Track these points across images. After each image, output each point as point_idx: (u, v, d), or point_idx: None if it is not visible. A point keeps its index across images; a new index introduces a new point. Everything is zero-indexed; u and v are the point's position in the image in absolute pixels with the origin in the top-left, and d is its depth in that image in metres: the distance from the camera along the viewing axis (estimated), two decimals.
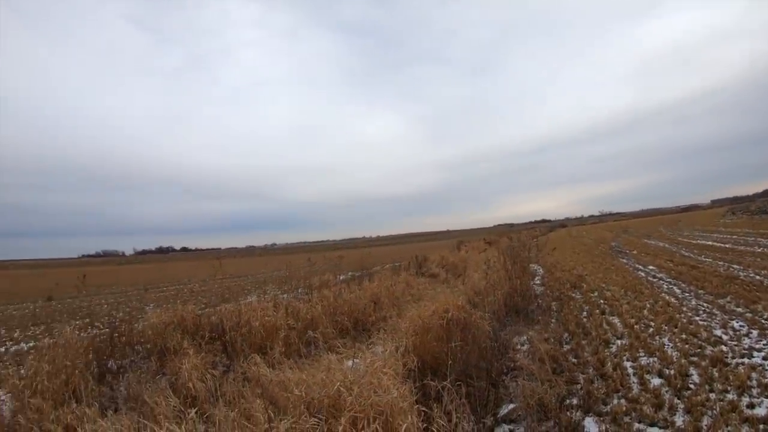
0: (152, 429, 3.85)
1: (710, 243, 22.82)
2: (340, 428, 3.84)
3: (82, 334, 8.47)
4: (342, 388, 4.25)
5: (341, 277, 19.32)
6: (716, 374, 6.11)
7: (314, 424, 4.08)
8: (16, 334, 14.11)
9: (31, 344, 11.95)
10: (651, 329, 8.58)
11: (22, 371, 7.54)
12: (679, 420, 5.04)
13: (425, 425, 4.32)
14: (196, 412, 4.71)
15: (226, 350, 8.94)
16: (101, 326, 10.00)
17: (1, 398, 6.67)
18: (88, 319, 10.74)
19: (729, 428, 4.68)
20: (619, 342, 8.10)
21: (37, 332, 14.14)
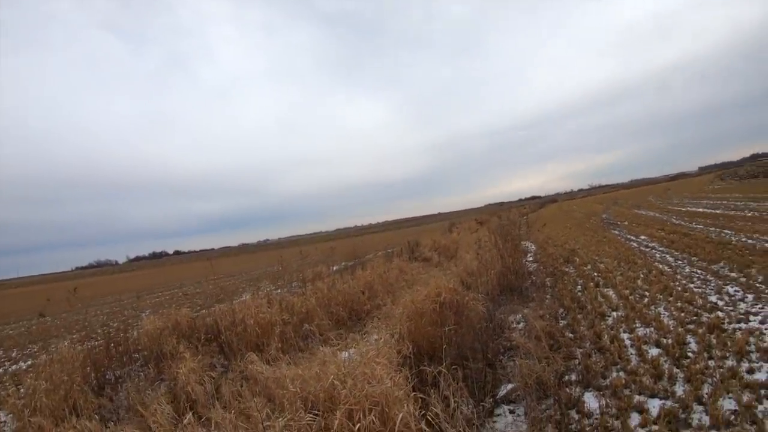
0: None
1: (701, 210, 22.89)
2: (336, 422, 3.78)
3: (78, 348, 8.37)
4: (336, 381, 4.19)
5: (335, 268, 19.27)
6: (714, 341, 6.08)
7: (310, 420, 4.03)
8: (14, 354, 13.99)
9: (29, 362, 11.85)
10: (646, 299, 8.56)
11: (21, 390, 7.51)
12: (680, 389, 5.00)
13: (423, 412, 4.27)
14: (193, 415, 4.68)
15: (223, 350, 8.92)
16: (98, 337, 9.91)
17: (2, 420, 6.67)
18: (84, 332, 10.62)
19: (730, 395, 4.64)
20: (614, 314, 8.07)
21: (35, 350, 14.03)
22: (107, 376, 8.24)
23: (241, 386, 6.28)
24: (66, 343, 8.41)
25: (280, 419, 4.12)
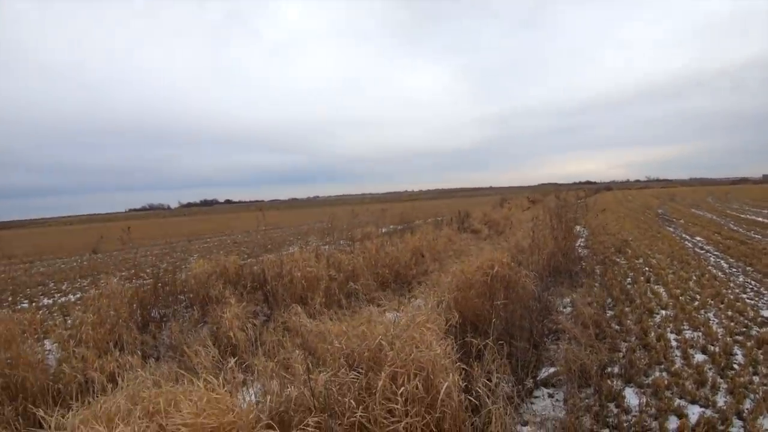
0: (189, 378, 3.87)
1: (761, 219, 21.96)
2: (380, 383, 3.85)
3: (127, 285, 8.69)
4: (383, 342, 4.23)
5: (383, 230, 19.34)
6: (761, 357, 5.89)
7: (353, 378, 4.10)
8: (64, 287, 14.67)
9: (78, 296, 12.41)
10: (696, 302, 8.34)
11: (69, 322, 7.83)
12: (721, 400, 4.90)
13: (465, 383, 4.30)
14: (235, 362, 4.80)
15: (267, 300, 9.15)
16: (146, 277, 10.27)
17: (48, 348, 6.85)
18: (133, 270, 11.01)
19: None
20: (663, 312, 7.92)
21: (84, 284, 14.69)
22: (152, 315, 8.55)
23: (283, 336, 6.41)
24: (115, 280, 8.66)
25: (323, 373, 4.21)
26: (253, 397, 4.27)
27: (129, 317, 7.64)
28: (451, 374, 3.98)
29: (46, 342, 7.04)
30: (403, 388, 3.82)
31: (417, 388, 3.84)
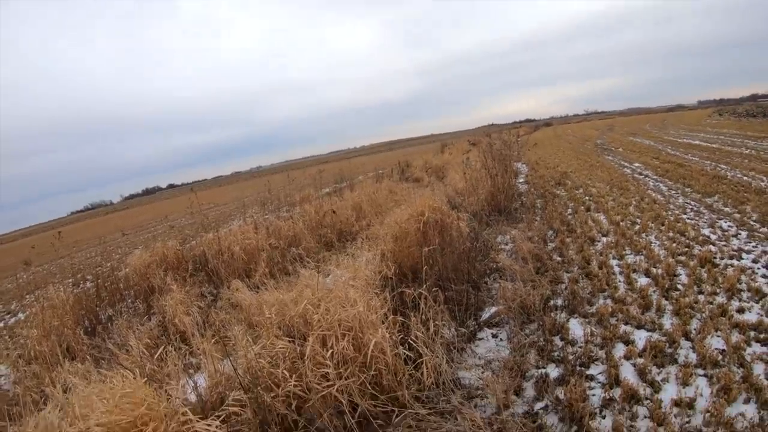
0: (122, 375, 3.62)
1: (697, 142, 22.48)
2: (308, 348, 3.64)
3: (69, 292, 8.33)
4: (309, 306, 4.02)
5: (325, 191, 19.09)
6: (705, 275, 5.90)
7: (284, 347, 3.90)
8: (13, 306, 13.96)
9: (27, 313, 11.83)
10: (637, 227, 8.39)
11: (16, 341, 7.54)
12: (667, 322, 4.85)
13: (402, 336, 4.14)
14: (175, 349, 4.63)
15: (211, 279, 8.89)
16: (92, 279, 9.87)
17: (3, 373, 6.68)
18: (80, 275, 10.54)
19: (718, 333, 4.49)
20: (604, 239, 7.94)
21: (32, 299, 13.97)
22: (99, 317, 8.22)
23: (228, 314, 6.24)
24: (53, 289, 8.32)
25: (253, 346, 4.00)
26: (200, 381, 4.10)
27: (75, 324, 7.39)
28: (379, 330, 3.79)
29: (2, 367, 6.85)
30: (331, 351, 3.64)
31: (346, 349, 3.65)
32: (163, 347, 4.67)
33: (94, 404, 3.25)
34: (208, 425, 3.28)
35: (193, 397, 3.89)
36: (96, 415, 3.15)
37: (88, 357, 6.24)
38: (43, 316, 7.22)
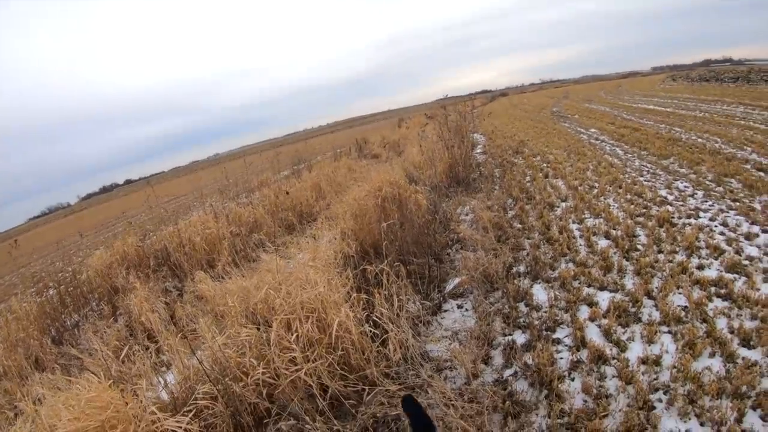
0: (87, 379, 3.53)
1: (651, 107, 22.79)
2: (272, 334, 3.61)
3: (39, 300, 8.26)
4: (270, 291, 3.98)
5: (284, 173, 18.93)
6: (664, 235, 6.04)
7: (248, 334, 3.86)
8: None
9: None
10: (595, 190, 8.55)
11: None
12: (629, 283, 4.97)
13: (366, 313, 4.14)
14: (148, 345, 4.58)
15: (175, 273, 8.74)
16: (56, 286, 9.61)
17: None
18: (42, 283, 10.23)
19: (680, 291, 4.61)
20: (563, 204, 8.07)
21: None
22: (66, 324, 8.01)
23: (194, 307, 6.16)
24: (15, 300, 8.20)
25: (217, 338, 3.95)
26: (170, 379, 4.06)
27: (42, 334, 7.25)
28: (342, 309, 3.78)
29: None
30: (296, 334, 3.61)
31: (311, 331, 3.63)
32: (127, 347, 4.56)
33: (60, 413, 3.18)
34: (178, 422, 3.24)
35: (164, 395, 3.84)
36: (63, 423, 3.09)
37: (56, 366, 6.12)
38: (8, 329, 7.13)
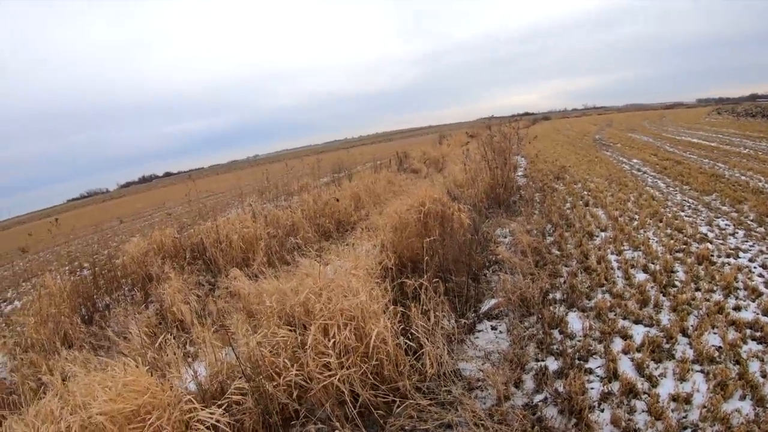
0: (123, 363, 3.61)
1: (695, 140, 22.44)
2: (310, 337, 3.65)
3: (72, 278, 8.37)
4: (311, 295, 4.03)
5: (323, 180, 19.06)
6: (702, 273, 5.92)
7: (285, 336, 3.91)
8: (9, 294, 13.86)
9: (24, 300, 11.74)
10: (635, 222, 8.43)
11: (12, 329, 7.52)
12: (665, 318, 4.89)
13: (402, 326, 4.16)
14: (174, 337, 4.62)
15: (209, 268, 8.85)
16: (90, 267, 9.82)
17: (1, 362, 6.59)
18: (77, 263, 10.46)
19: (715, 330, 4.52)
20: (603, 234, 7.97)
21: (29, 287, 13.87)
22: (97, 305, 8.18)
23: (227, 303, 6.24)
24: (49, 276, 8.26)
25: (253, 336, 4.01)
26: (200, 370, 4.10)
27: (72, 312, 7.35)
28: (381, 319, 3.81)
29: None
30: (333, 340, 3.65)
31: (348, 338, 3.67)
32: (162, 335, 4.64)
33: (95, 393, 3.24)
34: (212, 413, 3.30)
35: (192, 386, 3.90)
36: (98, 403, 3.14)
37: (85, 345, 6.25)
38: (40, 303, 7.18)
